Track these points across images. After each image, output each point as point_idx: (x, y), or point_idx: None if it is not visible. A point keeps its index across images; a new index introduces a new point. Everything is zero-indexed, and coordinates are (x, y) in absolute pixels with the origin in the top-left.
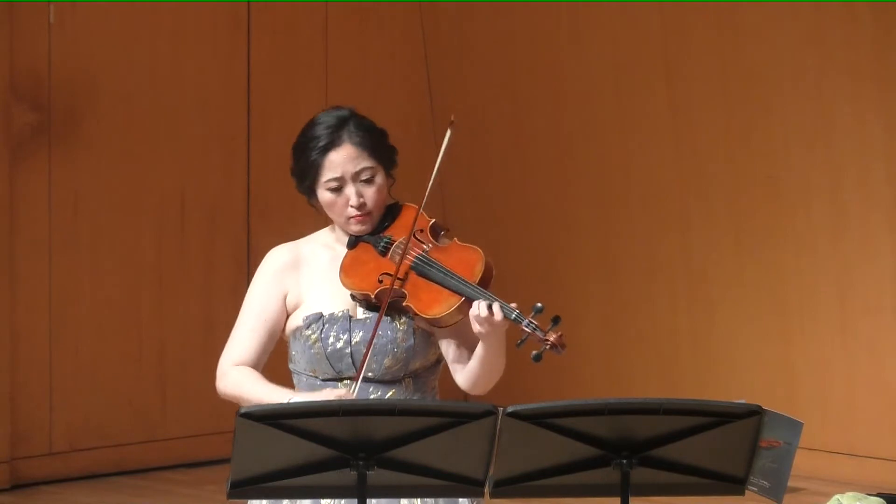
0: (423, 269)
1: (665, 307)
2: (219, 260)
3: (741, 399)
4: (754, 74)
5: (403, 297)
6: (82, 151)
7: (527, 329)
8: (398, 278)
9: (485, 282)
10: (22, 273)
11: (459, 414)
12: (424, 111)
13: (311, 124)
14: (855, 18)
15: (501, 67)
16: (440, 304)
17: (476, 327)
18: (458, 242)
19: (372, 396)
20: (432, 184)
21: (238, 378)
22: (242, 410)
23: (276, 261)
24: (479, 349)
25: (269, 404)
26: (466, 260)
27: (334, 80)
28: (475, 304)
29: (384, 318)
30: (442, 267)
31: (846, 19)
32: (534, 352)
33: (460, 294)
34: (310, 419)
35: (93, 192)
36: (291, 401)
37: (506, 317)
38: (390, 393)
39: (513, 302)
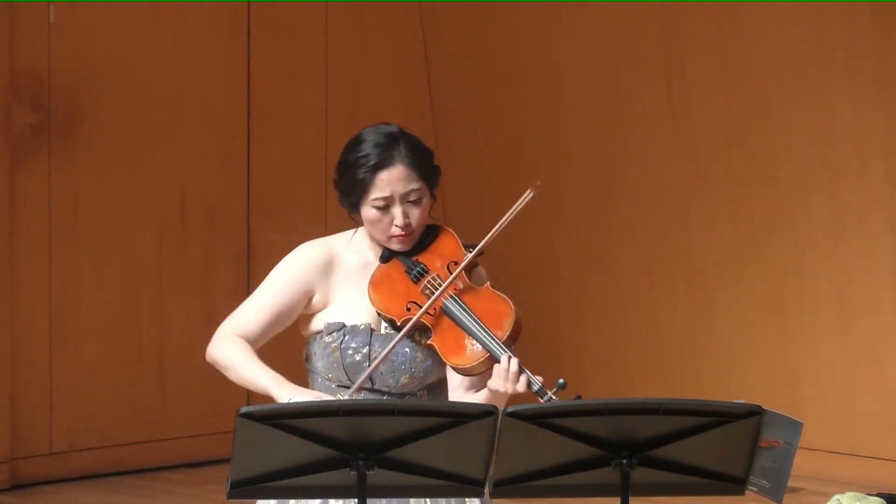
0: (452, 314)
1: (665, 307)
2: (219, 260)
3: (741, 399)
4: (754, 74)
5: (429, 333)
6: (82, 151)
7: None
8: (427, 313)
9: (513, 337)
10: (22, 273)
11: (459, 414)
12: (424, 111)
13: (359, 140)
14: (855, 18)
15: (501, 68)
16: (464, 355)
17: (495, 382)
18: (491, 289)
19: None
20: (491, 235)
21: (233, 346)
22: (243, 410)
23: (308, 258)
24: (485, 396)
25: (269, 405)
26: (497, 312)
27: (334, 80)
28: (504, 360)
29: (405, 338)
30: (472, 315)
31: (846, 19)
32: None
33: (486, 350)
34: (310, 419)
35: (93, 192)
36: (288, 398)
37: (529, 387)
38: None
39: (538, 374)
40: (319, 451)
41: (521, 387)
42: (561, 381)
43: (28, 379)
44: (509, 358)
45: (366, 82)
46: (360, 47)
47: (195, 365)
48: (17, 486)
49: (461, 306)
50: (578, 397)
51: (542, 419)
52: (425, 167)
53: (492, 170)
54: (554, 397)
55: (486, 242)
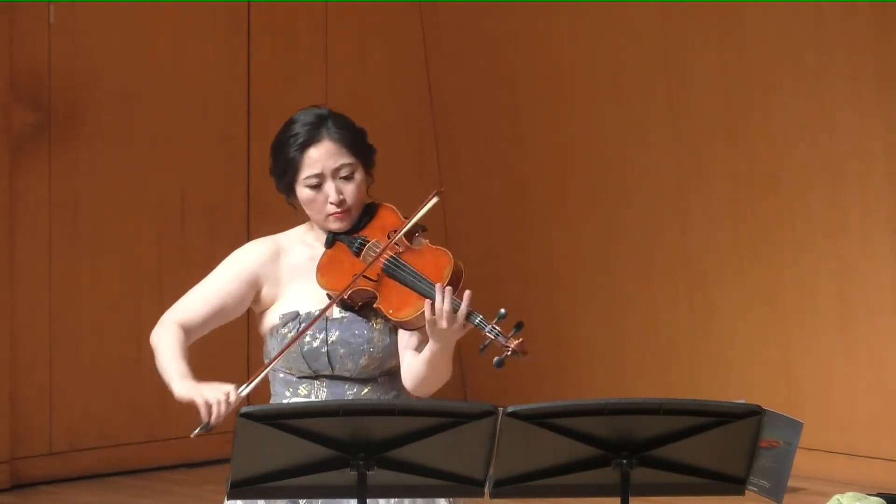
0: (393, 272)
1: (665, 307)
2: (219, 260)
3: (741, 399)
4: (754, 74)
5: (375, 298)
6: (82, 151)
7: (489, 335)
8: (370, 279)
9: (453, 284)
10: (22, 273)
11: (459, 414)
12: (424, 111)
13: (289, 123)
14: (855, 18)
15: (501, 67)
16: (408, 308)
17: (432, 323)
18: (431, 245)
19: (348, 395)
20: (408, 227)
21: (167, 335)
22: (243, 410)
23: (255, 250)
24: (427, 351)
25: (269, 405)
26: (436, 263)
27: (334, 80)
28: (437, 297)
29: (360, 319)
30: (411, 269)
31: (846, 19)
32: (496, 357)
33: (427, 297)
34: (309, 419)
35: (93, 192)
36: (180, 392)
37: (468, 319)
38: (366, 391)
39: (482, 310)
40: (319, 451)
41: (458, 323)
42: (502, 311)
43: (28, 379)
44: (443, 297)
45: (366, 82)
46: (360, 47)
47: (195, 364)
48: (17, 486)
49: (400, 264)
50: (520, 324)
51: (542, 419)
52: (355, 143)
53: (492, 170)
54: (497, 327)
55: (402, 231)
